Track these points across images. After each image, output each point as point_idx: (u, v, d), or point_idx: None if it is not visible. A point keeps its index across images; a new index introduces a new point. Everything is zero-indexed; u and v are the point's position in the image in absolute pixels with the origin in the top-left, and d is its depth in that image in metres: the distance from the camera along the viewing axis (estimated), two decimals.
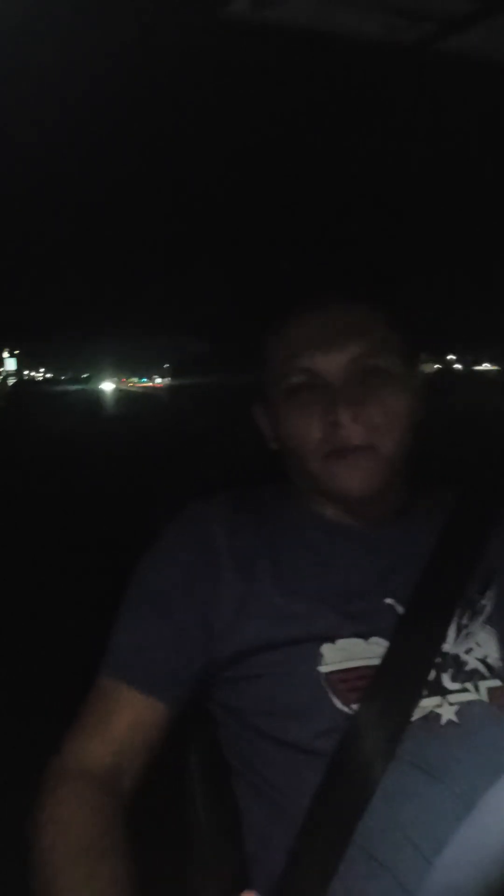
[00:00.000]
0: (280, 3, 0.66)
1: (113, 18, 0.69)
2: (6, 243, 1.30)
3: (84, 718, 0.91)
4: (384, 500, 0.97)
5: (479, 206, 1.14)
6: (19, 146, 0.93)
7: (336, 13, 0.69)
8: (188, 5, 0.68)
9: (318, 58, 0.76)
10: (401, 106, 0.88)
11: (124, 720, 0.89)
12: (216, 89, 0.82)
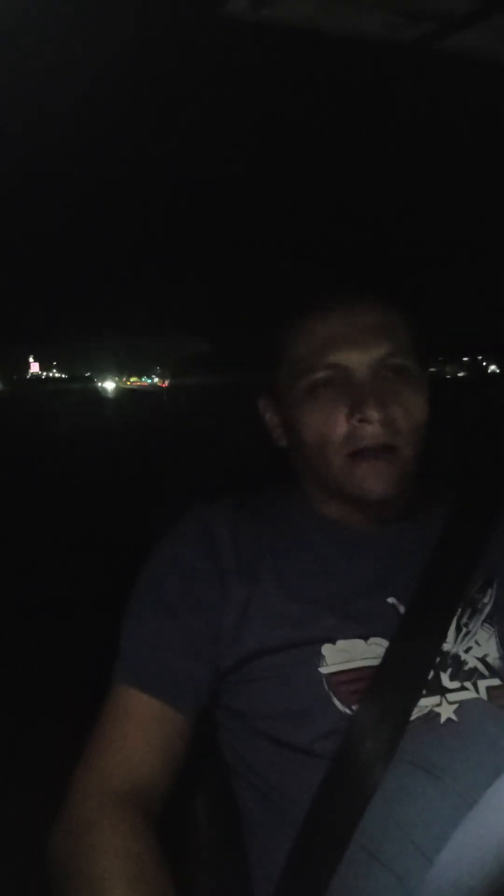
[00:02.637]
0: (279, 2, 0.66)
1: (112, 18, 0.69)
2: (10, 244, 1.30)
3: (104, 731, 0.89)
4: (396, 502, 0.97)
5: (478, 206, 1.14)
6: (19, 147, 0.93)
7: (336, 12, 0.69)
8: (187, 5, 0.68)
9: (317, 57, 0.76)
10: (401, 105, 0.87)
11: (147, 733, 0.87)
12: (216, 88, 0.82)
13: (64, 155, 0.97)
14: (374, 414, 0.90)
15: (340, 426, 0.92)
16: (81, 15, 0.68)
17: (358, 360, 0.92)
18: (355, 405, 0.91)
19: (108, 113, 0.86)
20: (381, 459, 0.92)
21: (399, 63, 0.78)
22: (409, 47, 0.72)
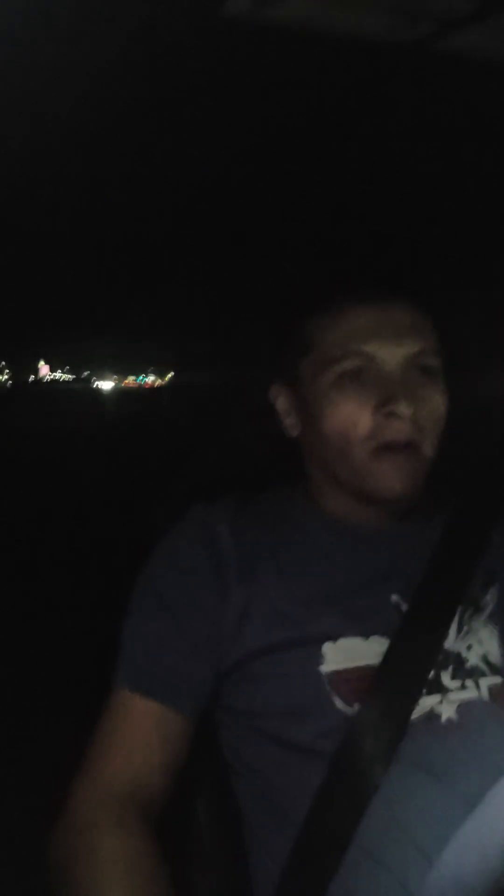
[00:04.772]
0: (280, 3, 0.66)
1: (113, 18, 0.69)
2: (12, 244, 1.31)
3: (105, 734, 0.88)
4: (409, 501, 0.97)
5: (478, 205, 1.14)
6: (20, 147, 0.93)
7: (336, 13, 0.69)
8: (187, 5, 0.68)
9: (317, 57, 0.76)
10: (401, 105, 0.88)
11: (148, 735, 0.87)
12: (216, 89, 0.82)
13: (65, 155, 0.97)
14: (404, 409, 0.89)
15: (366, 419, 0.91)
16: (81, 15, 0.68)
17: (390, 353, 0.92)
18: (385, 398, 0.90)
19: (109, 112, 0.86)
20: (404, 456, 0.91)
21: (399, 63, 0.78)
22: (409, 47, 0.72)
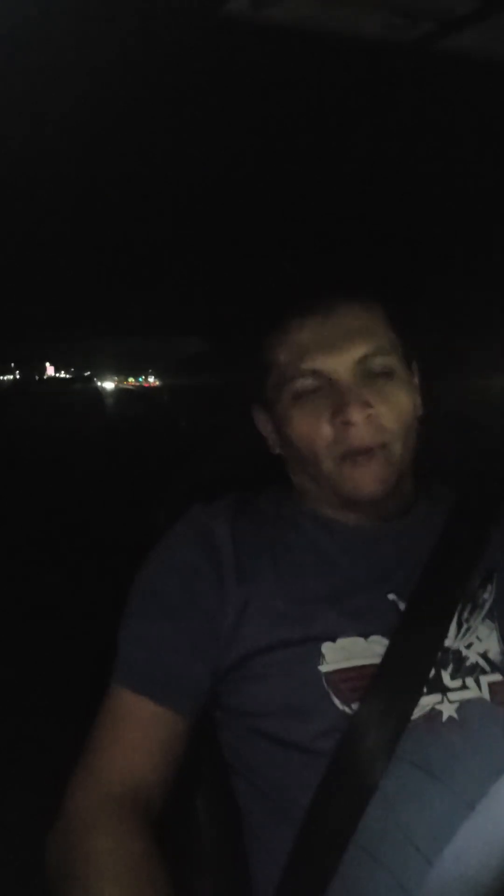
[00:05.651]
0: (280, 2, 0.66)
1: (113, 18, 0.69)
2: (14, 246, 1.31)
3: (102, 734, 0.88)
4: (392, 500, 0.97)
5: (477, 205, 1.14)
6: (20, 148, 0.93)
7: (336, 13, 0.69)
8: (187, 4, 0.68)
9: (317, 57, 0.76)
10: (401, 105, 0.87)
11: (146, 735, 0.87)
12: (216, 88, 0.82)
13: (65, 155, 0.97)
14: (356, 416, 0.90)
15: (326, 431, 0.93)
16: (81, 15, 0.68)
17: (337, 364, 0.93)
18: (337, 409, 0.91)
19: (109, 112, 0.86)
20: (371, 459, 0.92)
21: (399, 63, 0.78)
22: (409, 47, 0.72)
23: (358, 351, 0.93)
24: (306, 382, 0.94)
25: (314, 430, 0.93)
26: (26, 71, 0.76)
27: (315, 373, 0.93)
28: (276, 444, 1.04)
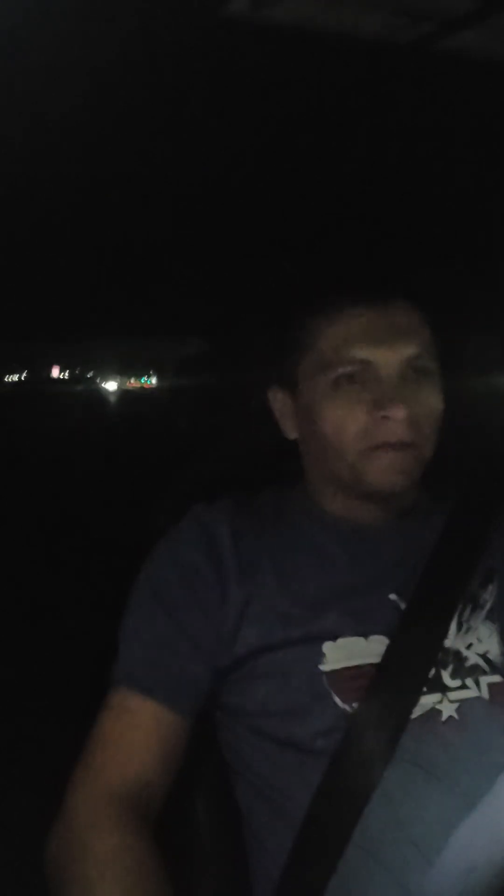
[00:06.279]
0: (280, 3, 0.66)
1: (113, 18, 0.69)
2: (14, 246, 1.31)
3: (102, 734, 0.88)
4: (404, 498, 0.98)
5: (477, 205, 1.14)
6: (20, 148, 0.93)
7: (336, 13, 0.69)
8: (188, 5, 0.68)
9: (317, 57, 0.76)
10: (400, 105, 0.88)
11: (146, 735, 0.87)
12: (216, 88, 0.82)
13: (65, 156, 0.97)
14: (399, 412, 0.90)
15: (361, 421, 0.92)
16: (82, 15, 0.68)
17: (386, 357, 0.93)
18: (379, 401, 0.91)
19: (110, 112, 0.86)
20: (400, 455, 0.92)
21: (399, 63, 0.78)
22: (409, 47, 0.72)
23: (408, 349, 0.93)
24: (349, 370, 0.93)
25: (349, 418, 0.92)
26: (26, 71, 0.76)
27: (362, 362, 0.93)
28: (293, 429, 1.03)
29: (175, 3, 0.68)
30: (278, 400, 1.04)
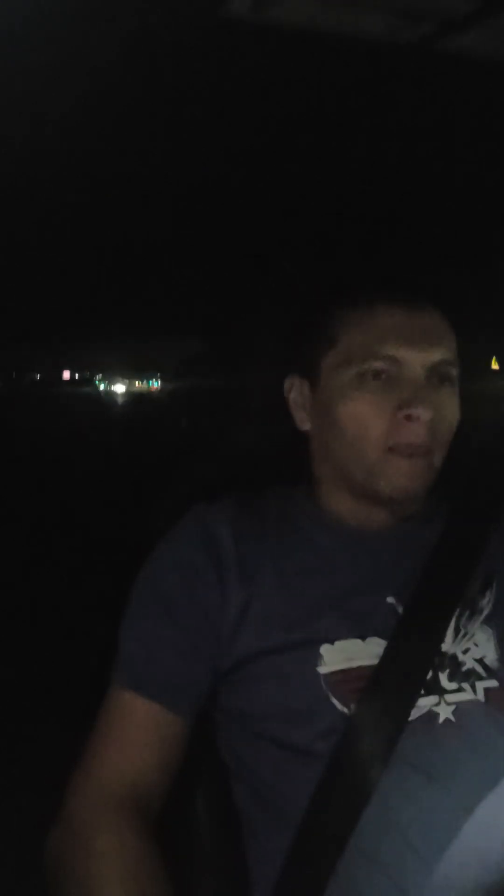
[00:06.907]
0: (280, 3, 0.66)
1: (113, 18, 0.69)
2: (14, 246, 1.31)
3: (102, 734, 0.88)
4: (412, 504, 0.97)
5: (478, 205, 1.14)
6: (20, 149, 0.93)
7: (337, 13, 0.69)
8: (188, 5, 0.68)
9: (318, 57, 0.76)
10: (401, 105, 0.87)
11: (146, 735, 0.87)
12: (216, 88, 0.82)
13: (66, 155, 0.97)
14: (423, 415, 0.90)
15: (383, 419, 0.92)
16: (81, 15, 0.68)
17: (415, 358, 0.92)
18: (406, 401, 0.91)
19: (110, 113, 0.86)
20: (419, 459, 0.92)
21: (399, 63, 0.78)
22: (409, 48, 0.72)
23: (438, 353, 0.93)
24: (377, 366, 0.92)
25: (373, 414, 0.92)
26: (26, 71, 0.76)
27: (392, 360, 0.92)
28: (306, 420, 1.02)
29: (175, 3, 0.68)
30: (294, 389, 1.03)
